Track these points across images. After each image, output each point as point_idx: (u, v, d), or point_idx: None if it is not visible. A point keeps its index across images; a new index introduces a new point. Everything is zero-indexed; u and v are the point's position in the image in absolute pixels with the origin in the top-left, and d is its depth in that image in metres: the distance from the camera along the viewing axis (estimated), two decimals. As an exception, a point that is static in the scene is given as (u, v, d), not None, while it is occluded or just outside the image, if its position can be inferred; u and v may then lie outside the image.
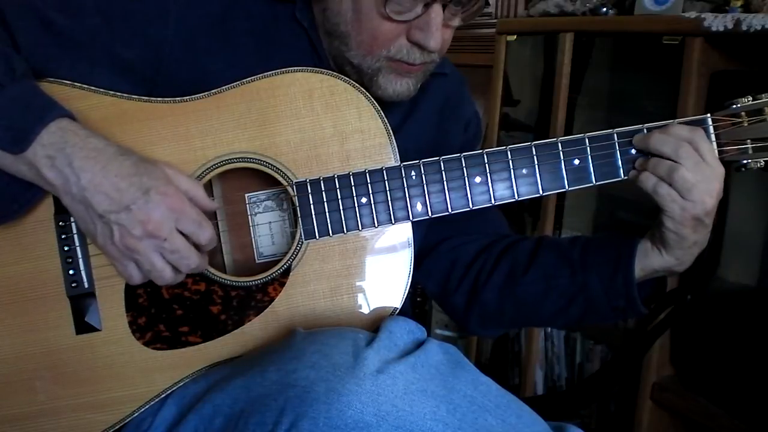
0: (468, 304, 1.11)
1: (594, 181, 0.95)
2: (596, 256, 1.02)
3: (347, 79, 0.94)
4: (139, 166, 0.85)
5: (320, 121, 0.93)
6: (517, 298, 1.07)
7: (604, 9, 1.85)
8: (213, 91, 0.93)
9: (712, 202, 0.90)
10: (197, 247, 0.87)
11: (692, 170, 0.89)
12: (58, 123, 0.83)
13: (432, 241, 1.12)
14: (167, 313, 0.93)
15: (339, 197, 0.93)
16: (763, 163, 0.94)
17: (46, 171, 0.82)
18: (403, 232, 0.96)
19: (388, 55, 0.94)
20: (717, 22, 1.49)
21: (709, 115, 0.94)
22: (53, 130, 0.82)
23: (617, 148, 0.94)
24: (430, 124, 1.11)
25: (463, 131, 1.17)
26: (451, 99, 1.16)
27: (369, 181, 0.93)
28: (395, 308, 0.95)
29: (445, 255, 1.04)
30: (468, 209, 0.95)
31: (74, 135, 0.83)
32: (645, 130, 0.94)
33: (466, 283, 1.11)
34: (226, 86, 0.93)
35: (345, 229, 0.94)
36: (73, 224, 0.91)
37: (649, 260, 0.98)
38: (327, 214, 0.93)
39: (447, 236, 1.11)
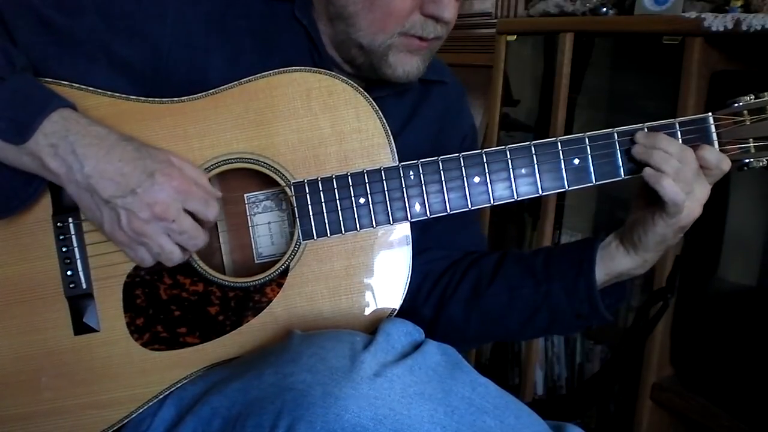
0: (435, 317, 1.10)
1: (594, 181, 0.95)
2: (559, 265, 1.03)
3: (345, 79, 0.94)
4: (142, 150, 0.85)
5: (318, 121, 0.93)
6: (482, 310, 1.07)
7: (604, 9, 1.85)
8: (211, 91, 0.93)
9: (700, 210, 0.92)
10: (201, 224, 0.87)
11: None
12: (59, 113, 0.83)
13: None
14: (165, 314, 0.93)
15: (337, 198, 0.93)
16: (765, 162, 0.93)
17: (49, 160, 0.82)
18: (402, 232, 0.95)
19: (402, 30, 0.95)
20: (717, 22, 1.49)
21: (710, 114, 0.94)
22: (55, 120, 0.83)
23: (617, 147, 0.94)
24: (428, 133, 1.11)
25: (460, 144, 1.16)
26: (451, 110, 1.16)
27: (367, 181, 0.93)
28: (394, 309, 0.95)
29: (419, 268, 1.04)
30: (467, 209, 0.95)
31: (76, 123, 0.84)
32: (645, 130, 0.94)
33: (433, 296, 1.11)
34: (224, 86, 0.93)
35: (343, 230, 0.93)
36: (71, 225, 0.91)
37: (614, 262, 0.99)
38: (325, 214, 0.93)
39: (426, 248, 1.10)
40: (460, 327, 1.09)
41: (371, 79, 1.03)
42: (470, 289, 1.08)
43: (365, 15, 0.95)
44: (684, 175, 0.89)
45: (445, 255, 1.13)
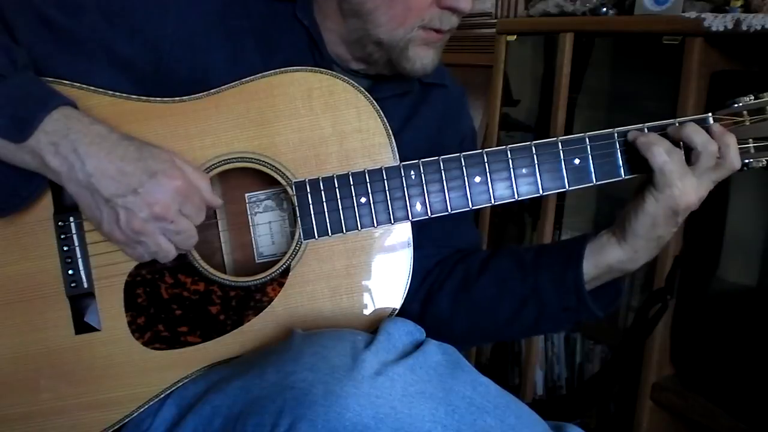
0: (422, 312, 1.09)
1: (594, 181, 0.95)
2: (548, 258, 1.03)
3: (347, 78, 0.94)
4: (144, 150, 0.85)
5: (319, 121, 0.93)
6: (469, 303, 1.07)
7: (604, 9, 1.85)
8: (212, 91, 0.93)
9: (695, 200, 0.91)
10: None
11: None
12: (61, 111, 0.83)
13: None
14: (166, 313, 0.93)
15: (338, 197, 0.93)
16: (765, 162, 0.93)
17: (50, 158, 0.82)
18: (403, 232, 0.95)
19: (422, 24, 0.95)
20: (717, 22, 1.49)
21: (710, 114, 0.94)
22: (56, 118, 0.82)
23: (618, 147, 0.94)
24: (427, 134, 1.11)
25: (458, 146, 1.16)
26: (450, 112, 1.16)
27: (368, 180, 0.93)
28: (395, 309, 0.95)
29: (413, 265, 1.04)
30: (467, 209, 0.95)
31: (77, 122, 0.83)
32: (645, 130, 0.94)
33: (421, 291, 1.10)
34: (225, 86, 0.93)
35: (344, 229, 0.93)
36: (72, 224, 0.91)
37: (604, 255, 0.98)
38: (326, 213, 0.93)
39: (421, 245, 1.08)
40: (447, 321, 1.09)
41: (381, 75, 1.04)
42: (459, 281, 1.08)
43: (385, 11, 0.95)
44: (680, 155, 0.90)
45: (437, 251, 1.13)
